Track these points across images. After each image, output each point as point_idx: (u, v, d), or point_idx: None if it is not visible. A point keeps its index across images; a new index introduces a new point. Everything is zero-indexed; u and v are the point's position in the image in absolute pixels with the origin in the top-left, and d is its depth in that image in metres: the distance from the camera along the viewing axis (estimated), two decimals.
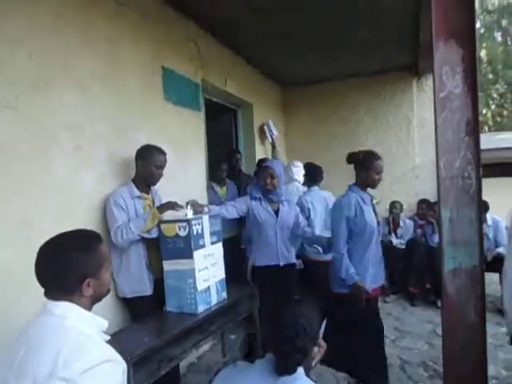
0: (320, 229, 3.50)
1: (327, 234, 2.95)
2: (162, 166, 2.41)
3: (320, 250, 3.16)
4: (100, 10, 2.38)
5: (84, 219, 2.18)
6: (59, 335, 1.00)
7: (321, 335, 1.23)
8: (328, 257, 2.83)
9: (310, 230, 3.11)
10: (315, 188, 3.76)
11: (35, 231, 1.85)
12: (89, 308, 1.11)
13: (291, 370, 1.10)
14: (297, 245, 3.36)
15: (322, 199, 3.65)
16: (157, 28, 2.91)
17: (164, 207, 2.29)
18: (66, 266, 1.06)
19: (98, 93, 2.35)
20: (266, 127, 4.93)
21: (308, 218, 3.47)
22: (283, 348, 1.11)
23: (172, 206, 2.29)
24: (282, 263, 2.90)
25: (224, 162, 4.01)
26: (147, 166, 2.36)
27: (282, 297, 2.68)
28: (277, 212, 2.94)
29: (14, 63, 1.86)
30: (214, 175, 3.88)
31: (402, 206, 5.02)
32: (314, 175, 3.81)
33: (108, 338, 1.12)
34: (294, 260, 3.05)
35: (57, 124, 2.06)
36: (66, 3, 2.14)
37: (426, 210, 4.96)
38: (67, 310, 1.05)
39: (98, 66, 2.36)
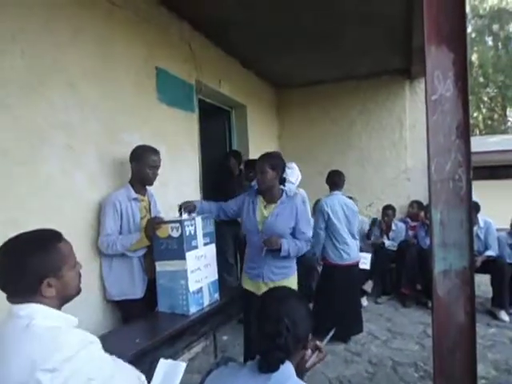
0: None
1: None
2: (156, 166, 2.39)
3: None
4: (93, 10, 2.37)
5: (74, 218, 2.17)
6: (29, 335, 0.97)
7: (312, 338, 1.21)
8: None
9: None
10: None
11: (22, 230, 1.81)
12: (58, 309, 1.07)
13: (273, 368, 1.08)
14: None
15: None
16: (150, 29, 2.90)
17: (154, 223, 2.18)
18: (21, 267, 1.02)
19: (91, 93, 2.33)
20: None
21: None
22: (265, 345, 1.10)
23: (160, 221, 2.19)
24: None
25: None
26: (141, 167, 2.34)
27: None
28: None
29: (6, 63, 1.84)
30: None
31: (394, 211, 5.04)
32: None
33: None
34: None
35: (48, 123, 2.05)
36: (58, 3, 2.13)
37: (417, 210, 4.99)
38: (33, 311, 1.02)
39: (91, 66, 2.34)
